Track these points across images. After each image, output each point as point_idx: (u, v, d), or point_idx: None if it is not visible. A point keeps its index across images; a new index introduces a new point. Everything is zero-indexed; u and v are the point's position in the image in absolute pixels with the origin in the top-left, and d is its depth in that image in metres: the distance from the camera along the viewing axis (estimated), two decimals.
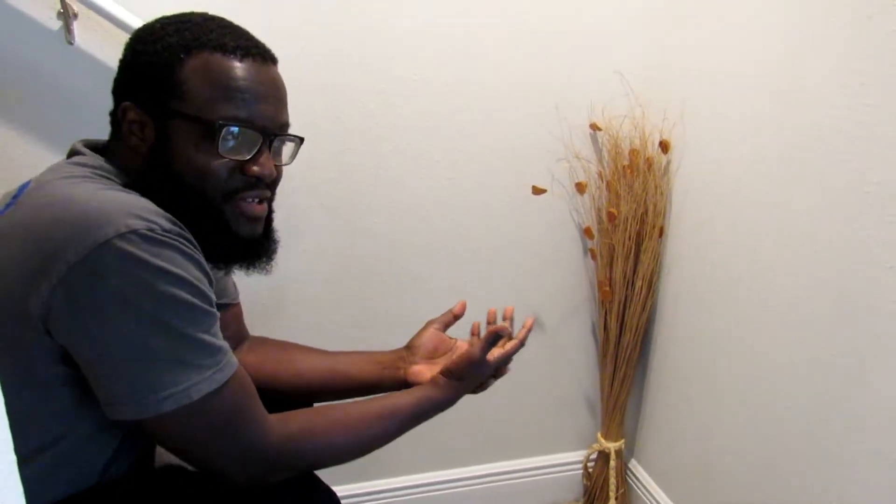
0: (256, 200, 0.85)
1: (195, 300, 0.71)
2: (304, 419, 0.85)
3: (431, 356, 1.09)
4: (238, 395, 0.76)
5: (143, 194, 0.76)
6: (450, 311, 1.13)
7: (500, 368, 1.03)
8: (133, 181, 0.80)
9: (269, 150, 0.84)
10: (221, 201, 0.81)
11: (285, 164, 0.92)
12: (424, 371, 1.04)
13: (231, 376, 0.75)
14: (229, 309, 1.07)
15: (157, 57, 0.79)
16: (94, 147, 0.85)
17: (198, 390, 0.71)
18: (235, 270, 0.92)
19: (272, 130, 0.83)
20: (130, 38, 0.83)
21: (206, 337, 0.73)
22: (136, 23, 1.12)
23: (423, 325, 1.13)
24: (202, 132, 0.78)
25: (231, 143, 0.80)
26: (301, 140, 0.93)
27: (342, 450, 0.87)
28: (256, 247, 0.89)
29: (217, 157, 0.79)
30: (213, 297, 0.75)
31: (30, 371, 0.71)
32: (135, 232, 0.67)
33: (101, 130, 1.06)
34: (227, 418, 0.75)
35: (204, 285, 0.73)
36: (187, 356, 0.70)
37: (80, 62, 1.19)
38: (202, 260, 0.75)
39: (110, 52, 1.20)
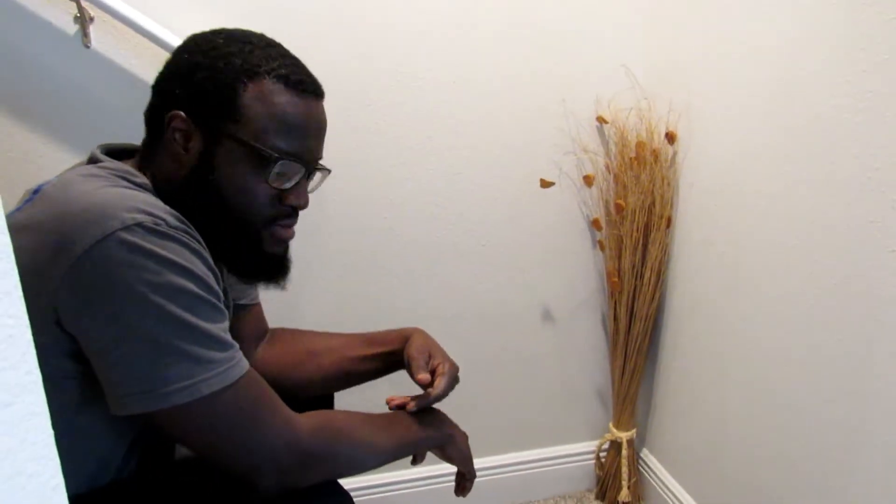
0: (289, 226, 0.89)
1: (203, 293, 0.72)
2: (323, 413, 0.86)
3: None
4: (256, 392, 0.76)
5: (175, 200, 0.78)
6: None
7: None
8: (164, 185, 0.81)
9: (307, 182, 0.88)
10: (261, 226, 0.85)
11: (310, 192, 0.94)
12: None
13: (246, 373, 0.75)
14: (252, 308, 1.09)
15: (220, 75, 0.80)
16: (115, 151, 0.87)
17: (208, 385, 0.70)
18: (256, 286, 0.94)
19: (312, 164, 0.87)
20: (187, 46, 0.84)
21: (216, 330, 0.72)
22: (151, 25, 1.15)
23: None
24: (255, 160, 0.80)
25: (279, 174, 0.83)
26: (329, 171, 0.95)
27: (367, 441, 0.87)
28: (280, 266, 0.91)
29: (265, 186, 0.82)
30: (221, 294, 0.76)
31: (39, 363, 0.72)
32: (140, 225, 0.69)
33: (118, 132, 1.09)
34: (248, 412, 0.75)
35: (211, 281, 0.74)
36: (196, 348, 0.70)
37: (96, 65, 1.22)
38: (208, 257, 0.76)
39: (126, 55, 1.23)
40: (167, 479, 0.86)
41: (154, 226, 0.69)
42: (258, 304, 1.12)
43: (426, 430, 0.96)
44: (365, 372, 1.10)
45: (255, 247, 0.85)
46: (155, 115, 0.84)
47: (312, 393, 1.09)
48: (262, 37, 0.85)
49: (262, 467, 0.77)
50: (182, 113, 0.80)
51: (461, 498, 1.09)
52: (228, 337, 0.75)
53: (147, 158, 0.85)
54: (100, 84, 1.23)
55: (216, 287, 0.75)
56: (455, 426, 1.01)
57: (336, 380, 1.10)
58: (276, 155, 0.81)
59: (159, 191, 0.80)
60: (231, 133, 0.80)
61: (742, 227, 1.31)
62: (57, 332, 0.70)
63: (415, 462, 0.99)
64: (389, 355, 1.08)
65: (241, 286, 1.06)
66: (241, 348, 0.91)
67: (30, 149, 1.23)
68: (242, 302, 1.07)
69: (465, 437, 1.02)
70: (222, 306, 0.75)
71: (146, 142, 0.86)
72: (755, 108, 1.24)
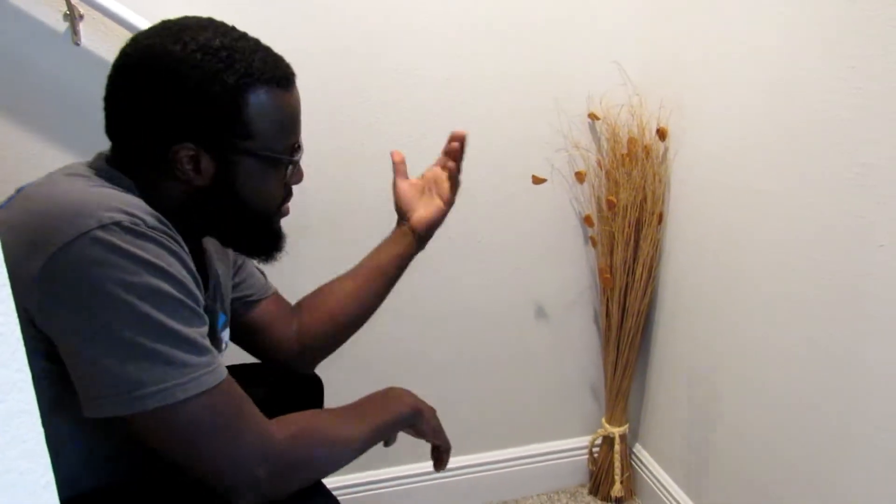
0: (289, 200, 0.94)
1: (180, 296, 0.70)
2: (294, 418, 0.83)
3: (420, 202, 1.17)
4: (233, 400, 0.75)
5: (186, 210, 0.79)
6: (395, 164, 1.18)
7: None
8: (164, 200, 0.79)
9: None
10: (276, 213, 0.90)
11: None
12: (421, 213, 1.14)
13: (223, 381, 0.73)
14: (267, 299, 1.09)
15: (217, 99, 0.76)
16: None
17: (183, 390, 0.69)
18: (264, 262, 0.95)
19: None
20: (152, 66, 0.77)
21: (193, 334, 0.71)
22: (141, 22, 1.14)
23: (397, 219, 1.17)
24: (271, 167, 0.84)
25: (293, 172, 0.89)
26: None
27: (342, 435, 0.86)
28: (282, 235, 0.95)
29: (282, 183, 0.87)
30: (202, 299, 0.75)
31: None
32: (118, 224, 0.67)
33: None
34: (224, 421, 0.73)
35: (190, 284, 0.72)
36: (172, 351, 0.68)
37: (86, 62, 1.21)
38: (189, 261, 0.74)
39: (116, 52, 1.22)
40: (161, 480, 0.85)
41: (132, 225, 0.68)
42: (274, 293, 1.12)
43: (395, 411, 0.96)
44: (391, 276, 1.13)
45: (269, 230, 0.91)
46: (130, 138, 0.80)
47: (361, 324, 1.13)
48: (224, 30, 0.80)
49: (237, 481, 0.74)
50: (189, 144, 0.77)
51: (441, 471, 1.09)
52: (206, 342, 0.73)
53: (132, 172, 0.80)
54: (89, 82, 1.22)
55: (195, 291, 0.73)
56: (421, 401, 1.00)
57: (375, 299, 1.12)
58: (290, 158, 0.85)
59: (156, 204, 0.76)
60: (244, 149, 0.80)
61: (733, 222, 1.32)
62: (31, 332, 0.68)
63: (387, 444, 0.98)
64: (393, 246, 1.14)
65: (251, 282, 1.06)
66: (279, 329, 0.93)
67: (20, 148, 1.23)
68: (255, 298, 1.07)
69: (432, 410, 1.02)
70: (201, 311, 0.74)
71: (118, 154, 0.82)
72: (746, 104, 1.25)
